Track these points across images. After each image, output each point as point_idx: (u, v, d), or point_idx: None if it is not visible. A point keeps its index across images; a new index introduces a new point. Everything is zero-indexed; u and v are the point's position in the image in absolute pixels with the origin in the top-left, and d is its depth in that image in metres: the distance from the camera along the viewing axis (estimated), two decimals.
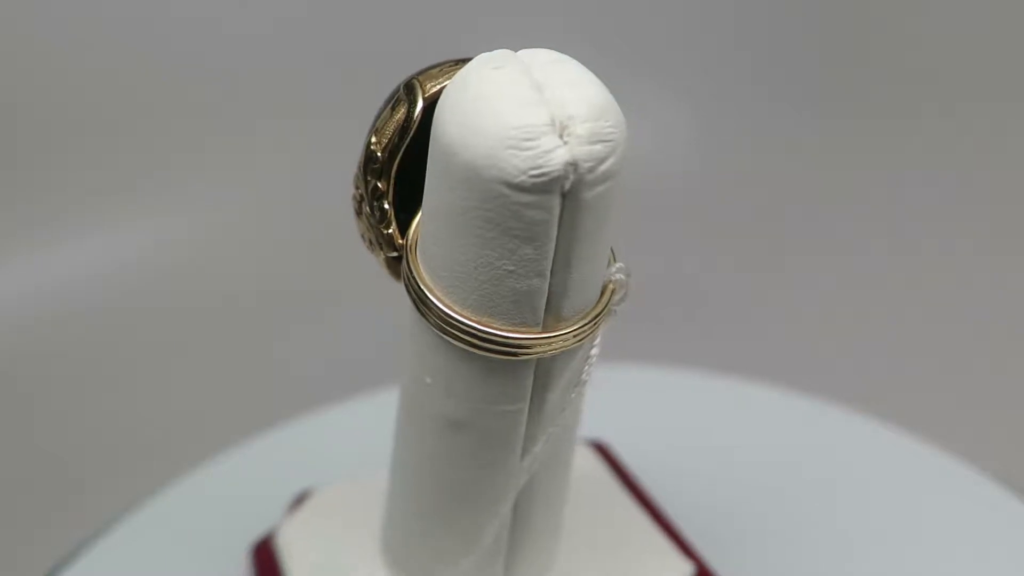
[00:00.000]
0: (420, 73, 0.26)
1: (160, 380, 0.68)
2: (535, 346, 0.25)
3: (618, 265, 0.26)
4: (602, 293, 0.26)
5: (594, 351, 0.26)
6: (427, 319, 0.25)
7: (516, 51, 0.25)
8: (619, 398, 0.44)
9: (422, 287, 0.25)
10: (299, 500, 0.37)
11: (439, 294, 0.25)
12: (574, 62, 0.24)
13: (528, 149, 0.22)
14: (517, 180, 0.22)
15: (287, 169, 0.78)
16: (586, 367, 0.26)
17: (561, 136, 0.23)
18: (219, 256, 0.75)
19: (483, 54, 0.24)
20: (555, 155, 0.22)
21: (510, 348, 0.25)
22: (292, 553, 0.35)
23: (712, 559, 0.35)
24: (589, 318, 0.25)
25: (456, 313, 0.25)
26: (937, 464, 0.42)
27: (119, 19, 0.74)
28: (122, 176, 0.76)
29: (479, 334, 0.25)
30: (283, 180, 0.78)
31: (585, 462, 0.37)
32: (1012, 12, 0.78)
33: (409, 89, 0.26)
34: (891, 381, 0.64)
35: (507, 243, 0.24)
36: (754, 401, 0.45)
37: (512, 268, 0.24)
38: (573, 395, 0.27)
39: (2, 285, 0.71)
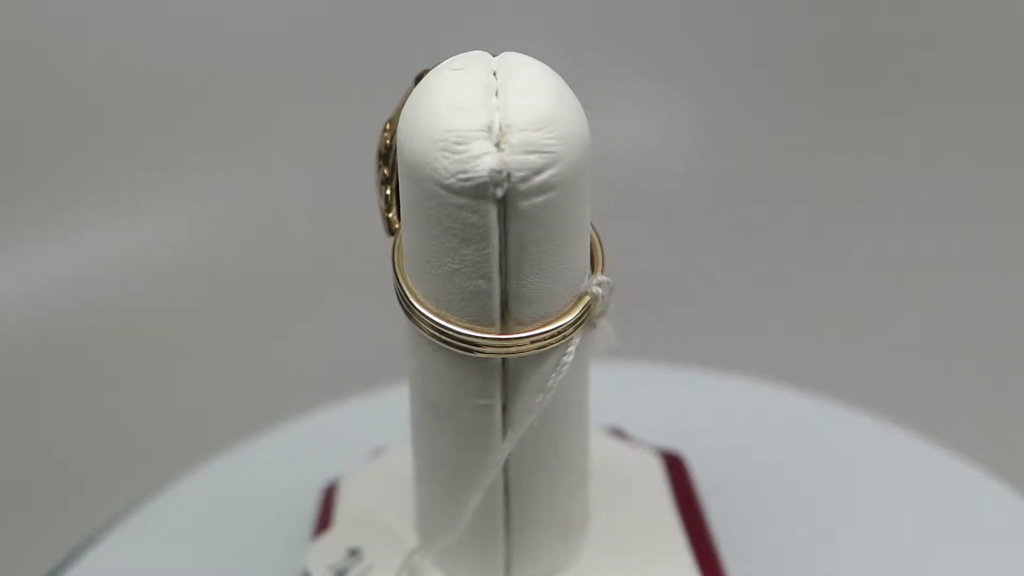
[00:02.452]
0: (434, 66, 0.27)
1: (160, 379, 0.69)
2: (487, 345, 0.25)
3: (599, 278, 0.26)
4: (577, 304, 0.26)
5: (566, 359, 0.26)
6: (400, 305, 0.26)
7: (504, 51, 0.25)
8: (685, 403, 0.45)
9: (397, 275, 0.26)
10: (375, 454, 0.39)
11: (410, 283, 0.26)
12: (541, 68, 0.24)
13: (458, 152, 0.23)
14: (447, 182, 0.23)
15: (288, 169, 0.79)
16: (554, 375, 0.26)
17: (498, 143, 0.23)
18: (220, 255, 0.76)
19: (458, 55, 0.24)
20: (482, 161, 0.22)
21: (464, 344, 0.25)
22: (344, 499, 0.37)
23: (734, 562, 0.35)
24: (552, 327, 0.25)
25: (418, 303, 0.26)
26: (955, 469, 0.40)
27: (119, 19, 0.75)
28: (122, 175, 0.77)
29: (436, 326, 0.25)
30: (284, 180, 0.79)
31: (644, 472, 0.37)
32: (1013, 13, 0.77)
33: (419, 81, 0.27)
34: (892, 378, 0.62)
35: (448, 242, 0.24)
36: (794, 409, 0.44)
37: (457, 267, 0.24)
38: (539, 400, 0.26)
39: (1, 284, 0.72)
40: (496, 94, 0.23)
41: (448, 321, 0.25)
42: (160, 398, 0.68)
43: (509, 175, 0.23)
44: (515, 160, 0.23)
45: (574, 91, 0.26)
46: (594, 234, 0.27)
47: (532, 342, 0.25)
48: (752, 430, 0.43)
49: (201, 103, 0.78)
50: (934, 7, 0.78)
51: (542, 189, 0.23)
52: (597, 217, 0.27)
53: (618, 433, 0.39)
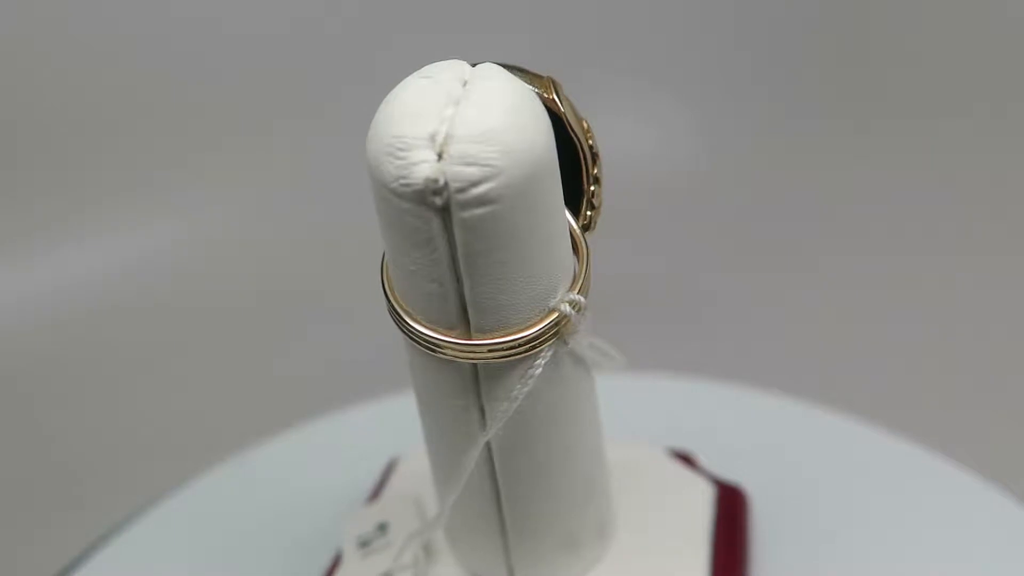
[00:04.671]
0: None
1: (163, 382, 0.69)
2: (446, 348, 0.26)
3: (571, 296, 0.26)
4: (543, 319, 0.26)
5: (532, 371, 0.26)
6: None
7: (505, 60, 0.25)
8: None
9: (383, 272, 0.27)
10: None
11: (392, 280, 0.27)
12: (505, 83, 0.24)
13: (400, 158, 0.23)
14: (391, 186, 0.23)
15: (293, 170, 0.78)
16: (518, 386, 0.26)
17: (440, 153, 0.23)
18: (225, 258, 0.76)
19: (435, 63, 0.25)
20: (419, 168, 0.23)
21: (425, 343, 0.26)
22: (396, 476, 0.39)
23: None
24: (511, 338, 0.25)
25: (394, 300, 0.26)
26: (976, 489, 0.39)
27: (124, 29, 0.75)
28: (124, 180, 0.77)
29: (404, 323, 0.26)
30: (290, 180, 0.78)
31: (688, 499, 0.36)
32: (1011, 13, 0.76)
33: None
34: (885, 383, 0.59)
35: (402, 243, 0.25)
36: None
37: (413, 268, 0.25)
38: (503, 409, 0.27)
39: (7, 287, 0.73)
40: (457, 104, 0.23)
41: (413, 319, 0.26)
42: (166, 402, 0.69)
43: (447, 184, 0.23)
44: (452, 170, 0.23)
45: (575, 98, 0.26)
46: (584, 250, 0.27)
47: (490, 351, 0.25)
48: (806, 455, 0.42)
49: (202, 108, 0.79)
50: (934, 8, 0.77)
51: (481, 201, 0.23)
52: (600, 224, 0.27)
53: (684, 457, 0.38)
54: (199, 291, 0.77)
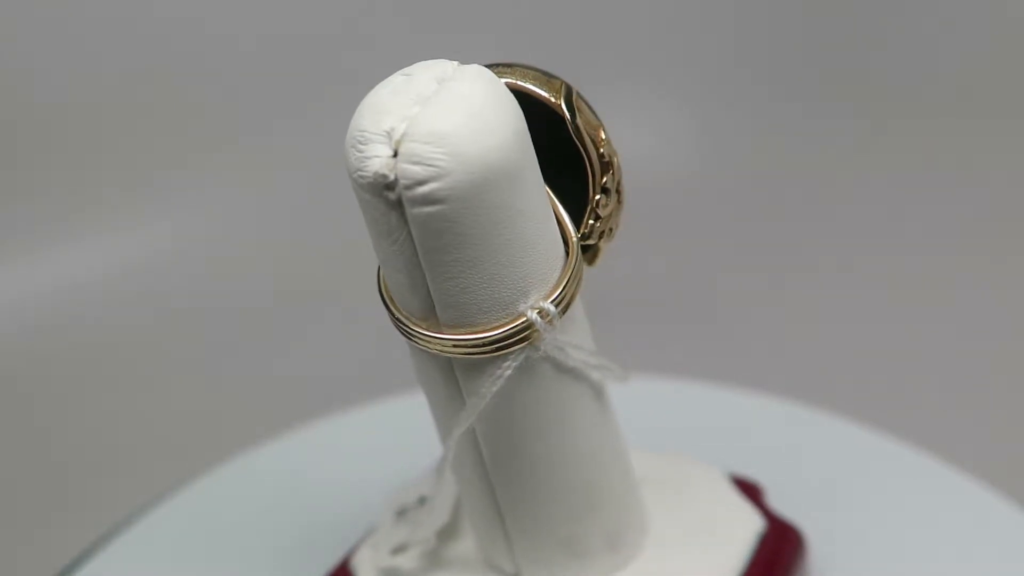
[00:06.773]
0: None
1: (163, 382, 0.69)
2: (418, 337, 0.26)
3: (541, 304, 0.26)
4: (509, 322, 0.26)
5: (500, 372, 0.26)
6: None
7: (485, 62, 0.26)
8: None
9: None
10: None
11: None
12: (476, 85, 0.24)
13: (360, 151, 0.24)
14: (353, 176, 0.24)
15: (293, 168, 0.79)
16: (488, 383, 0.26)
17: (396, 150, 0.24)
18: (224, 257, 0.75)
19: (421, 62, 0.25)
20: (371, 163, 0.24)
21: (401, 329, 0.27)
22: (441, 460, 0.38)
23: None
24: (473, 337, 0.26)
25: (382, 284, 0.27)
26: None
27: (121, 21, 0.75)
28: (124, 180, 0.77)
29: (386, 307, 0.27)
30: (291, 180, 0.78)
31: (734, 533, 0.34)
32: (1011, 14, 0.76)
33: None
34: (886, 384, 0.59)
35: (373, 231, 0.25)
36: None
37: (383, 257, 0.26)
38: (472, 404, 0.27)
39: (7, 287, 0.73)
40: (424, 104, 0.24)
41: (392, 305, 0.27)
42: (166, 402, 0.69)
43: (396, 181, 0.24)
44: (400, 167, 0.23)
45: None
46: (573, 258, 0.26)
47: (455, 346, 0.26)
48: (812, 461, 0.42)
49: (202, 107, 0.79)
50: (933, 9, 0.77)
51: (427, 200, 0.24)
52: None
53: (747, 485, 0.36)
54: (199, 291, 0.77)
